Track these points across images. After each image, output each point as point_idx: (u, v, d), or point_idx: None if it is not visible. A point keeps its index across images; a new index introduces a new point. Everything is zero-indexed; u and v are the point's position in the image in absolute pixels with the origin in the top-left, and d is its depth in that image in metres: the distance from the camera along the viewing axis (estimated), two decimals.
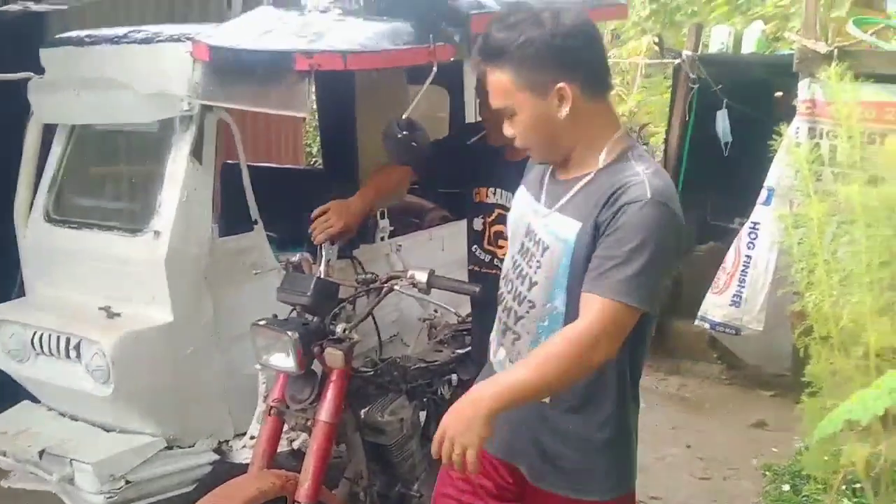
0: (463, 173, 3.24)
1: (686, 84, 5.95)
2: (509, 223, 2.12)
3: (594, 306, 1.74)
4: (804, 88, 4.71)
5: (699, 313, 5.21)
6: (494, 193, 3.16)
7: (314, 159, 9.35)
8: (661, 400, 5.49)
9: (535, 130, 1.88)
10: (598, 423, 1.93)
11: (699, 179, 6.28)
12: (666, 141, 6.46)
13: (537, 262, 1.92)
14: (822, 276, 2.11)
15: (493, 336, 2.14)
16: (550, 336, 1.86)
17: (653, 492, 4.11)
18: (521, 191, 2.12)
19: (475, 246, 3.27)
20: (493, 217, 3.17)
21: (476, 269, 3.27)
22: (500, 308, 2.08)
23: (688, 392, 5.65)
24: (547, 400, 1.92)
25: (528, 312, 1.96)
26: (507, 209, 3.11)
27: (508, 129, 1.92)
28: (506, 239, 3.11)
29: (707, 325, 5.19)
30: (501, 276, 2.11)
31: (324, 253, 2.87)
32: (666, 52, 7.13)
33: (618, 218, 1.76)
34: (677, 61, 6.11)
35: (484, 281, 3.01)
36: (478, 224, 3.25)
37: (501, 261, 3.14)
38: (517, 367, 1.84)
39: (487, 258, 3.20)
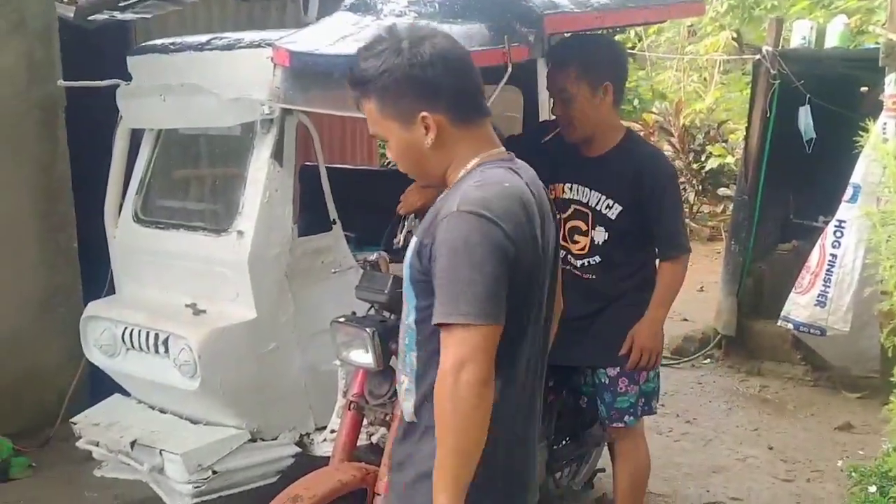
0: (538, 171, 3.25)
1: (767, 80, 5.81)
2: None
3: (443, 339, 1.68)
4: (891, 83, 4.58)
5: (782, 313, 5.11)
6: (571, 189, 3.17)
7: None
8: (742, 401, 5.39)
9: (405, 157, 1.86)
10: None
11: (781, 177, 6.14)
12: (746, 138, 6.33)
13: None
14: None
15: None
16: (409, 353, 1.84)
17: (733, 493, 4.04)
18: None
19: None
20: (568, 213, 3.17)
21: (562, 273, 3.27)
22: None
23: (769, 393, 5.52)
24: None
25: (400, 330, 1.95)
26: (583, 204, 3.11)
27: (389, 153, 1.91)
28: (582, 234, 3.12)
29: (790, 326, 5.09)
30: None
31: (406, 224, 2.96)
32: (745, 47, 7.00)
33: (435, 239, 1.72)
34: (757, 57, 5.97)
35: (575, 285, 3.01)
36: None
37: (575, 256, 3.16)
38: (437, 453, 1.71)
39: (572, 261, 3.19)
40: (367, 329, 2.61)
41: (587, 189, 3.13)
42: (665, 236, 3.12)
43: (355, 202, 3.60)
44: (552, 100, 3.15)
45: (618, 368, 3.15)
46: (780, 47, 5.87)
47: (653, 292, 3.14)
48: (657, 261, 3.21)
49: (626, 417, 3.20)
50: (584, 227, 3.14)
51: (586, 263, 3.16)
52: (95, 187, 3.73)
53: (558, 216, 3.18)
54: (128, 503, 3.75)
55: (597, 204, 3.10)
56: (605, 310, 3.15)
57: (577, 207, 3.16)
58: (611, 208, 3.09)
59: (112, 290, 3.69)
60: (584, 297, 3.06)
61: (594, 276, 3.15)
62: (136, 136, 3.68)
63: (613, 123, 3.15)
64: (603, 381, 3.18)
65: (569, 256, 3.18)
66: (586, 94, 3.02)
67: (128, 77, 3.57)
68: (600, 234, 3.13)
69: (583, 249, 3.15)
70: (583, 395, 3.39)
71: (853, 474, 2.34)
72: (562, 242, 3.19)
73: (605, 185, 3.08)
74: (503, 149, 1.89)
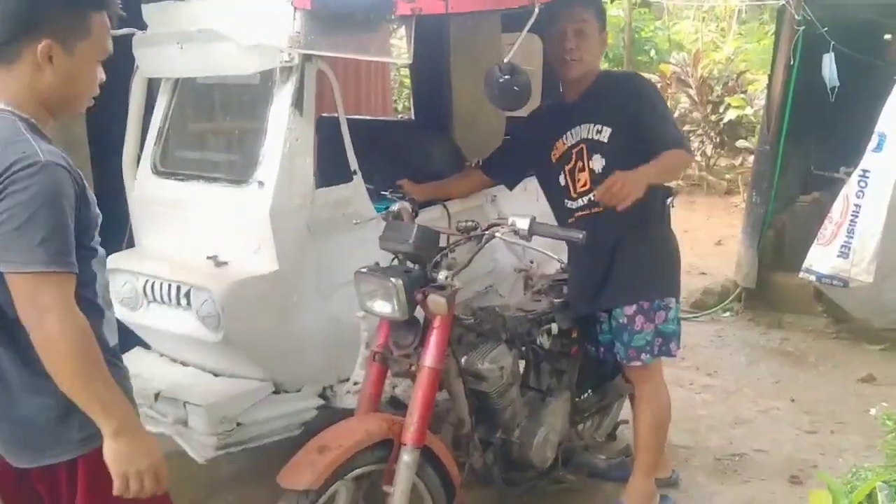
0: (540, 149, 3.30)
1: (791, 27, 5.69)
2: None
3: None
4: None
5: (804, 265, 5.06)
6: (566, 137, 3.22)
7: (401, 115, 9.39)
8: (763, 354, 5.37)
9: None
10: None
11: (803, 128, 6.05)
12: (769, 87, 6.22)
13: None
14: None
15: None
16: None
17: (757, 445, 4.03)
18: None
19: (565, 200, 3.25)
20: (571, 162, 3.22)
21: (572, 220, 3.23)
22: None
23: (791, 346, 5.50)
24: None
25: None
26: (577, 141, 3.17)
27: None
28: (581, 171, 3.17)
29: (813, 278, 5.04)
30: None
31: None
32: None
33: None
34: (781, 2, 5.85)
35: (584, 225, 2.98)
36: (562, 180, 3.24)
37: (578, 197, 3.20)
38: None
39: (577, 204, 3.21)
40: (393, 279, 2.58)
41: (577, 127, 3.19)
42: (665, 142, 3.00)
43: (372, 153, 3.54)
44: (563, 35, 3.12)
45: (634, 306, 3.15)
46: None
47: (661, 226, 3.23)
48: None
49: (643, 356, 3.19)
50: (581, 164, 3.17)
51: (592, 198, 3.08)
52: (112, 140, 3.68)
53: (565, 171, 3.19)
54: None
55: (588, 134, 3.15)
56: (616, 248, 3.14)
57: (574, 149, 3.20)
58: (601, 132, 3.13)
59: (131, 244, 3.66)
60: (596, 235, 2.92)
61: (601, 209, 3.04)
62: (153, 87, 3.62)
63: (598, 67, 3.32)
64: (620, 320, 3.18)
65: (571, 204, 3.23)
66: (596, 34, 3.17)
67: (143, 26, 3.50)
68: (598, 162, 3.14)
69: (584, 185, 3.18)
70: (602, 346, 3.37)
71: (887, 422, 2.31)
72: (574, 193, 3.22)
73: (592, 115, 3.15)
74: None
